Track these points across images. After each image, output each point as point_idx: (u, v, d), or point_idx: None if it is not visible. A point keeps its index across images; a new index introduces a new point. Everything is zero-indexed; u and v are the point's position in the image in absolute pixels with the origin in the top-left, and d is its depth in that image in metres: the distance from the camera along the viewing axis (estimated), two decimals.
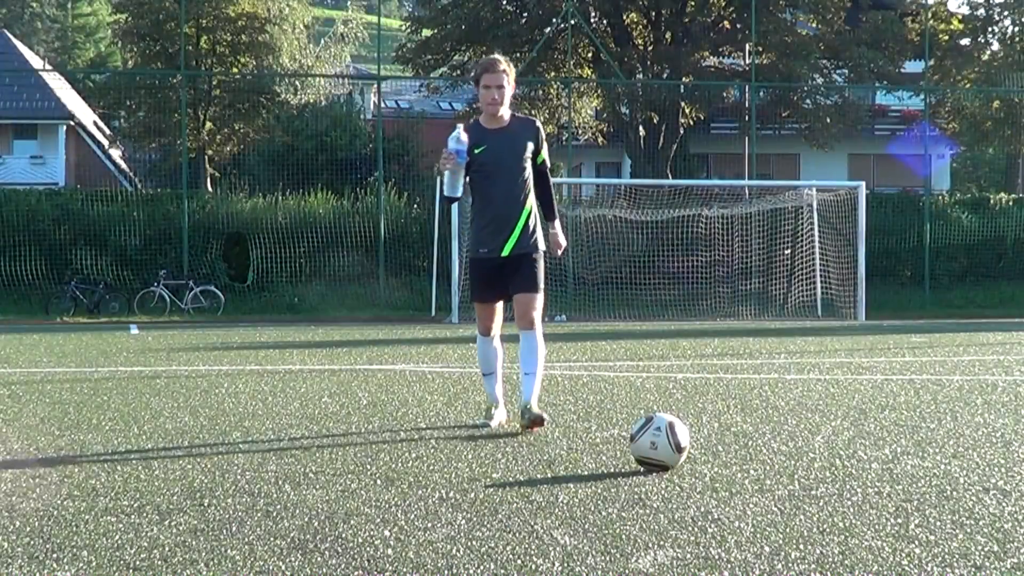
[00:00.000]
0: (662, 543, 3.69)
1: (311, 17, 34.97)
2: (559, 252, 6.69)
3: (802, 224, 26.31)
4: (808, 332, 18.70)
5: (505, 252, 6.41)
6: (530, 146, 6.44)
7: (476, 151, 6.34)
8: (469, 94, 34.75)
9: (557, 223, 6.69)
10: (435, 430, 6.38)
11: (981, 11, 34.31)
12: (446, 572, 3.37)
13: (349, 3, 39.61)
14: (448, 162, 6.24)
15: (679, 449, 4.98)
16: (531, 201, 6.47)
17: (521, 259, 6.45)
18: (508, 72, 6.36)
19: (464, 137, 6.23)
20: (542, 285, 6.52)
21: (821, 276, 25.49)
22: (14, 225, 26.34)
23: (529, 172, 6.45)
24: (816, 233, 25.74)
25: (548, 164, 6.65)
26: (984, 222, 29.99)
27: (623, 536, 3.78)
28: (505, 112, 6.46)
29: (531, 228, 6.48)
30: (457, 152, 6.21)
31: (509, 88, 6.40)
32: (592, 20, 32.75)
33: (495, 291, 6.54)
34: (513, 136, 6.44)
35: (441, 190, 6.43)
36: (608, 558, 3.51)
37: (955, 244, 29.57)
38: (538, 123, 6.57)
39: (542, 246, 6.55)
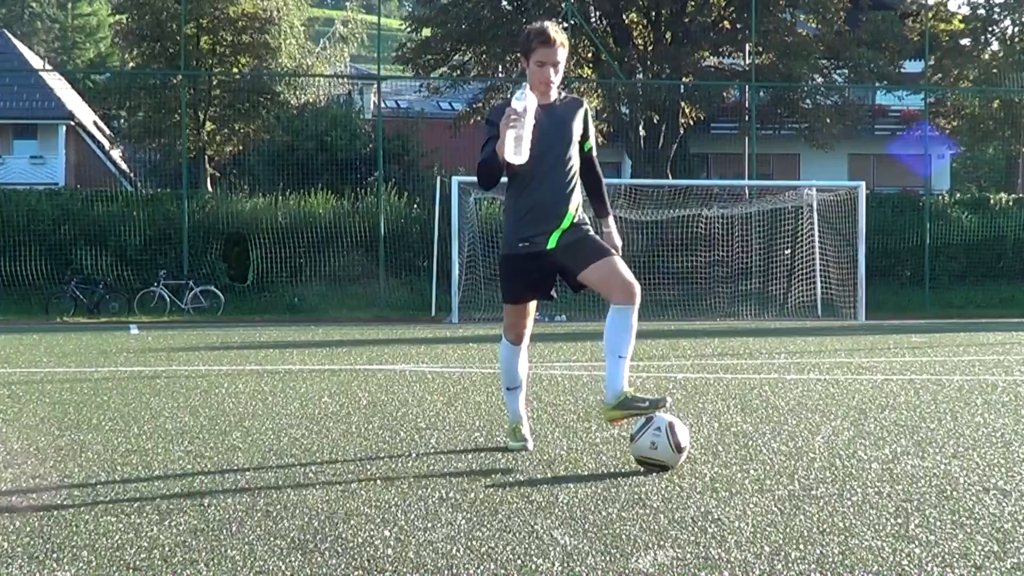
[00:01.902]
0: (662, 543, 3.69)
1: (308, 16, 34.98)
2: (617, 251, 5.60)
3: (802, 224, 26.31)
4: (808, 332, 18.70)
5: (551, 244, 5.40)
6: (577, 129, 5.54)
7: None
8: (469, 94, 34.74)
9: (611, 221, 5.71)
10: (435, 430, 6.38)
11: (981, 11, 34.32)
12: (446, 572, 3.37)
13: (348, 3, 39.56)
14: (515, 121, 5.23)
15: (679, 449, 4.97)
16: (579, 193, 5.58)
17: (574, 237, 5.44)
18: (564, 45, 5.44)
19: (530, 95, 5.30)
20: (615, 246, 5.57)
21: (821, 276, 25.49)
22: (14, 225, 26.35)
23: (576, 159, 5.55)
24: (816, 233, 25.74)
25: (596, 151, 5.74)
26: (984, 222, 30.00)
27: (623, 536, 3.78)
28: (554, 89, 5.57)
29: (579, 219, 5.53)
30: (524, 110, 5.30)
31: (563, 64, 5.52)
32: (592, 20, 32.75)
33: (533, 289, 5.55)
34: (560, 116, 5.52)
35: (482, 171, 5.44)
36: (608, 558, 3.51)
37: (955, 244, 29.57)
38: (586, 104, 5.68)
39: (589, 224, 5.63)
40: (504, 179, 5.54)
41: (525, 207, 5.46)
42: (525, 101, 5.25)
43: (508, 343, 5.68)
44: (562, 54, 5.45)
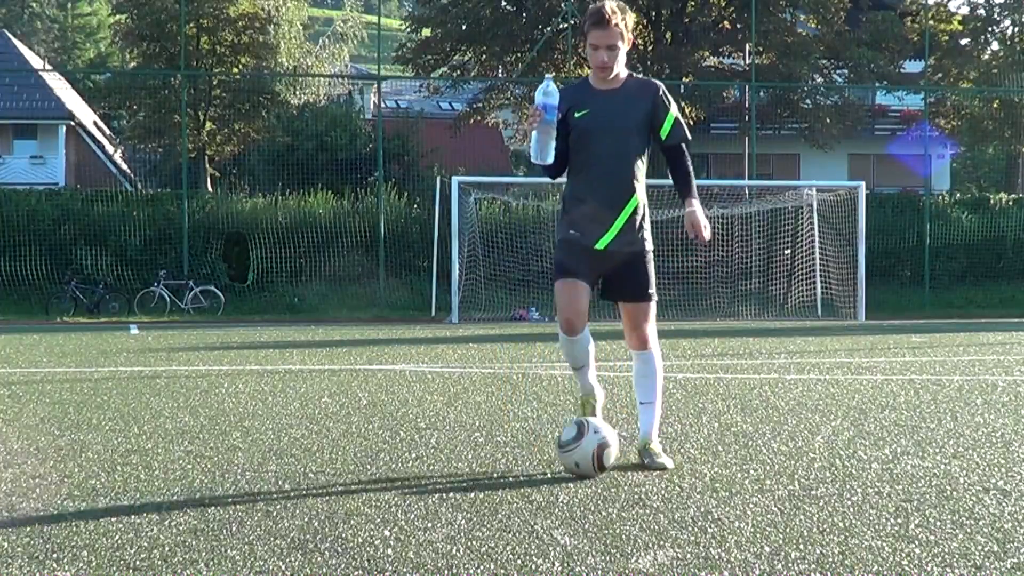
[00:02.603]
0: (662, 543, 3.68)
1: (307, 16, 34.99)
2: (703, 234, 5.17)
3: (802, 224, 26.31)
4: (808, 332, 18.70)
5: (600, 245, 5.07)
6: (644, 115, 5.07)
7: (577, 115, 5.07)
8: (469, 94, 34.75)
9: (695, 202, 5.14)
10: (435, 430, 6.37)
11: (981, 11, 34.33)
12: (446, 572, 3.37)
13: (347, 3, 39.59)
14: (534, 119, 4.94)
15: (601, 469, 4.89)
16: (642, 188, 5.14)
17: (623, 257, 5.12)
18: (622, 25, 4.99)
19: (553, 89, 4.95)
20: (654, 290, 5.23)
21: (821, 276, 25.49)
22: (14, 225, 26.34)
23: (643, 149, 5.11)
24: (816, 233, 25.75)
25: (686, 139, 5.19)
26: (984, 222, 30.00)
27: (623, 536, 3.78)
28: (621, 70, 5.11)
29: (638, 221, 5.12)
30: (544, 108, 4.92)
31: (624, 45, 5.03)
32: None
33: (580, 270, 5.09)
34: (626, 100, 5.08)
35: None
36: (608, 558, 3.51)
37: (955, 244, 29.58)
38: (662, 88, 5.14)
39: (650, 246, 5.23)
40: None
41: (576, 200, 5.13)
42: (545, 98, 4.91)
43: (563, 335, 5.20)
44: (620, 35, 4.99)
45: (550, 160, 5.04)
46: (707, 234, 5.16)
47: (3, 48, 41.62)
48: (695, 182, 5.22)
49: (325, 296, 26.34)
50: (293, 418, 6.93)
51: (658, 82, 5.17)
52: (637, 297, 5.20)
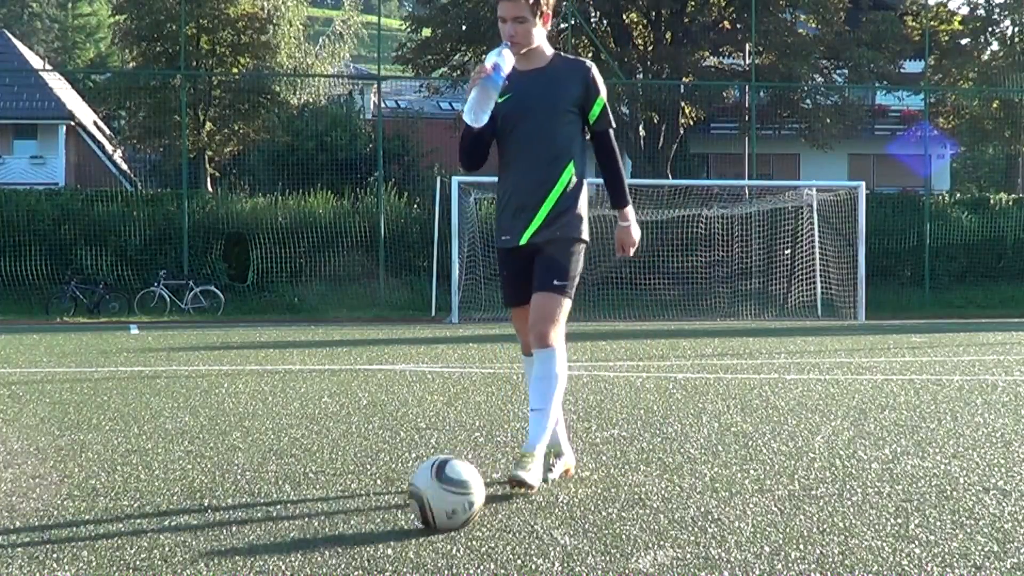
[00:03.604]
0: (662, 543, 3.69)
1: (307, 16, 35.00)
2: (630, 252, 4.85)
3: (802, 224, 26.31)
4: (808, 332, 18.71)
5: (524, 240, 4.68)
6: (572, 97, 4.67)
7: (500, 100, 4.63)
8: None
9: (630, 211, 4.82)
10: (435, 430, 6.37)
11: (981, 11, 34.34)
12: (446, 572, 3.37)
13: (347, 3, 39.59)
14: (479, 76, 4.51)
15: (426, 524, 3.94)
16: (569, 175, 4.70)
17: (542, 247, 4.68)
18: None
19: (509, 56, 4.58)
20: (569, 283, 4.65)
21: (821, 276, 25.49)
22: (14, 225, 26.34)
23: (571, 134, 4.70)
24: (816, 233, 25.75)
25: (612, 125, 4.79)
26: (984, 222, 30.00)
27: (623, 536, 3.78)
28: (545, 48, 4.73)
29: (564, 212, 4.69)
30: (494, 67, 4.53)
31: (536, 20, 4.61)
32: (592, 20, 32.76)
33: (526, 293, 4.73)
34: (552, 80, 4.68)
35: (460, 145, 4.82)
36: (608, 558, 3.51)
37: (955, 244, 29.58)
38: (591, 68, 4.71)
39: (582, 234, 4.74)
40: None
41: (503, 192, 4.77)
42: (499, 59, 4.55)
43: (524, 356, 4.91)
44: (530, 8, 4.57)
45: (483, 121, 4.57)
46: (632, 252, 4.87)
47: (3, 48, 41.63)
48: (626, 184, 4.87)
49: (325, 296, 26.34)
50: (293, 418, 6.93)
51: (588, 62, 4.74)
52: (543, 285, 4.61)
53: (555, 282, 4.61)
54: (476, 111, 4.59)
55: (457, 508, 3.89)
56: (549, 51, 4.74)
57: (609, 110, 4.79)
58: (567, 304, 4.64)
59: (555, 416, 4.66)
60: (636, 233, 4.85)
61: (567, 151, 4.69)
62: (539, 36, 4.68)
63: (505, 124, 4.70)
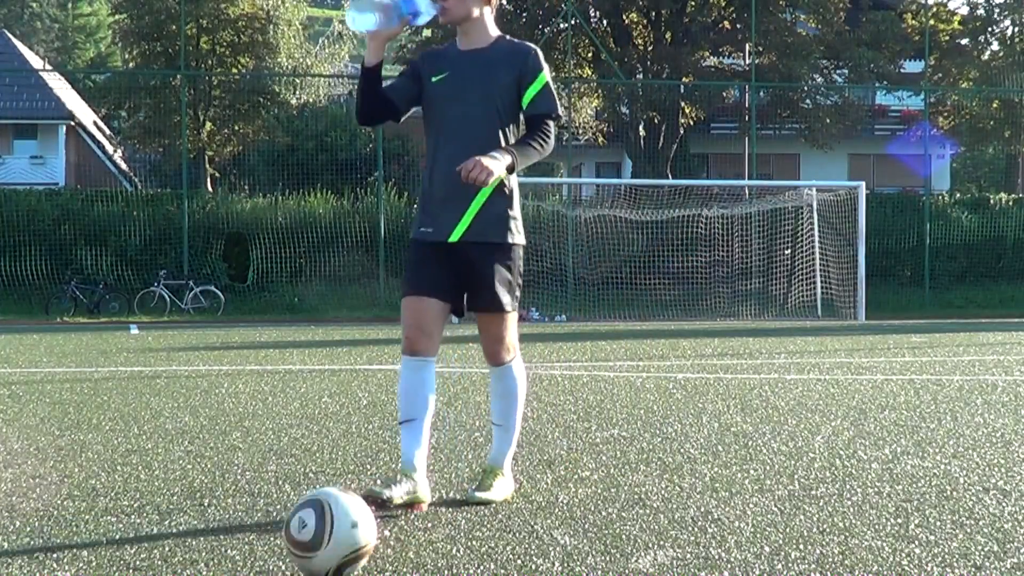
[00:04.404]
0: (662, 543, 3.69)
1: (307, 16, 35.00)
2: (466, 174, 4.03)
3: (802, 224, 26.31)
4: (808, 332, 18.70)
5: (453, 237, 4.26)
6: (513, 82, 4.27)
7: (434, 79, 4.32)
8: None
9: (505, 155, 4.15)
10: (435, 430, 6.37)
11: (981, 11, 34.34)
12: (446, 572, 3.37)
13: (347, 3, 39.62)
14: None
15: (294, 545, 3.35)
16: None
17: (480, 253, 4.26)
18: None
19: (430, 6, 4.24)
20: (515, 300, 4.36)
21: (821, 276, 25.50)
22: (14, 225, 26.35)
23: (508, 123, 4.30)
24: (816, 233, 25.75)
25: (553, 111, 4.30)
26: (984, 222, 30.01)
27: (623, 536, 3.78)
28: (490, 28, 4.35)
29: (499, 211, 4.28)
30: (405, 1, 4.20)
31: None
32: (592, 20, 32.76)
33: (433, 283, 4.28)
34: (492, 62, 4.29)
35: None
36: (608, 558, 3.51)
37: (955, 244, 29.59)
38: (534, 52, 4.31)
39: (519, 239, 4.34)
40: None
41: (430, 180, 4.37)
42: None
43: (403, 355, 4.34)
44: None
45: (358, 27, 4.21)
46: (477, 173, 4.03)
47: (3, 48, 41.63)
48: (528, 154, 4.23)
49: (325, 296, 26.34)
50: (293, 418, 6.93)
51: (533, 45, 4.34)
52: (490, 305, 4.30)
53: (504, 302, 4.29)
54: (358, 18, 4.21)
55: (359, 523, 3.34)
56: (494, 32, 4.35)
57: (553, 96, 4.31)
58: (515, 318, 4.39)
59: (517, 431, 4.51)
60: (492, 163, 4.05)
61: (504, 140, 4.28)
62: (481, 13, 4.29)
63: (437, 105, 4.33)
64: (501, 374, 4.44)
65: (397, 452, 5.55)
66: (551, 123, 4.31)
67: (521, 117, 4.36)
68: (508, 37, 4.39)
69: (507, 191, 4.30)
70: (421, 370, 4.31)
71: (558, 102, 4.35)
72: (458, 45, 4.37)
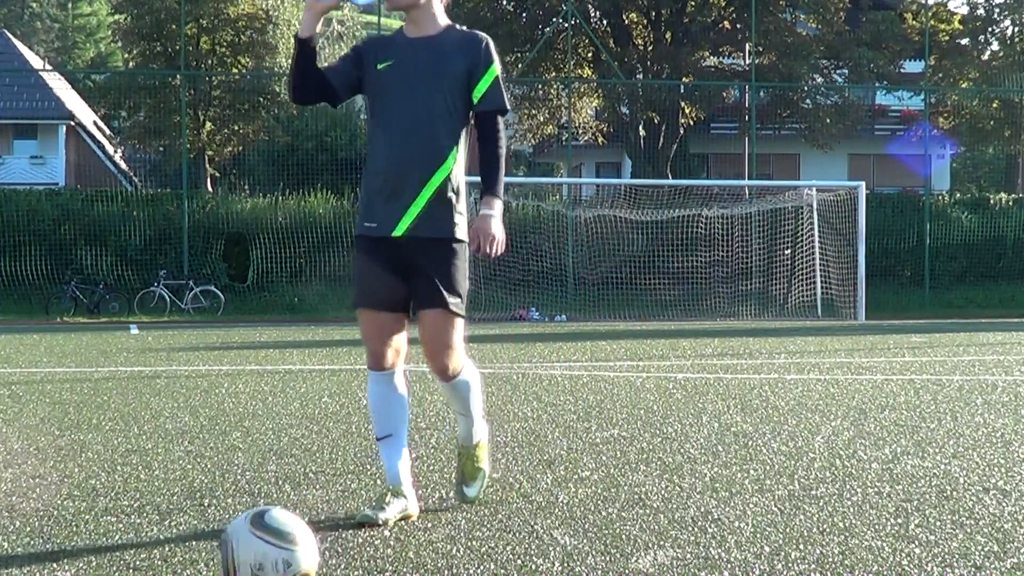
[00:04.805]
0: (662, 543, 3.68)
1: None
2: (488, 248, 4.03)
3: (802, 224, 26.31)
4: (808, 332, 18.70)
5: (399, 231, 4.04)
6: (463, 72, 4.08)
7: (379, 66, 4.10)
8: None
9: (497, 205, 4.06)
10: (435, 430, 6.38)
11: (981, 11, 34.34)
12: (446, 572, 3.37)
13: (346, 3, 39.59)
14: None
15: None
16: (454, 161, 4.08)
17: (425, 248, 4.06)
18: None
19: None
20: (461, 299, 4.11)
21: (821, 276, 25.50)
22: (14, 225, 26.36)
23: (457, 114, 4.09)
24: (816, 233, 25.75)
25: (504, 108, 4.14)
26: (984, 222, 30.02)
27: (623, 536, 3.78)
28: (440, 17, 4.18)
29: (446, 206, 4.07)
30: None
31: None
32: (592, 20, 32.76)
33: (386, 292, 4.13)
34: (440, 51, 4.10)
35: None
36: (608, 558, 3.51)
37: (955, 244, 29.59)
38: (487, 42, 4.14)
39: (463, 234, 4.12)
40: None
41: (374, 173, 4.10)
42: None
43: (371, 372, 4.25)
44: None
45: (307, 34, 4.03)
46: (494, 250, 4.03)
47: (3, 48, 41.63)
48: (503, 174, 4.12)
49: (325, 296, 26.33)
50: (293, 418, 6.93)
51: (485, 35, 4.16)
52: (433, 302, 4.07)
53: (449, 299, 4.05)
54: (307, 20, 4.03)
55: (266, 563, 3.04)
56: (443, 21, 4.17)
57: (503, 92, 4.13)
58: (461, 325, 4.12)
59: (481, 420, 4.30)
60: (498, 229, 4.04)
61: (452, 134, 4.08)
62: (429, 1, 4.12)
63: (382, 94, 4.10)
64: (453, 389, 4.21)
65: None
66: (502, 121, 4.16)
67: (470, 111, 4.15)
68: (458, 26, 4.20)
69: (453, 187, 4.07)
70: (390, 382, 4.20)
71: (506, 97, 4.18)
72: (405, 33, 4.17)
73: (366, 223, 4.10)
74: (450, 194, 4.07)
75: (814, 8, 32.06)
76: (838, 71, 33.88)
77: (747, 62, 33.06)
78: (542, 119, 34.08)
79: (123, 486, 4.69)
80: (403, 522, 4.01)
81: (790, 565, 3.42)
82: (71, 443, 5.89)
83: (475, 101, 4.11)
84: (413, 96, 4.05)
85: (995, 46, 34.76)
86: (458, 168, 4.09)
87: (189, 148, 28.82)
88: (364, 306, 4.16)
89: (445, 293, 4.05)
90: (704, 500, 4.37)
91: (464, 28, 4.21)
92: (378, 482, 4.75)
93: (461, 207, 4.12)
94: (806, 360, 12.22)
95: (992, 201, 31.06)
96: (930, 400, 7.91)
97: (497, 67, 4.13)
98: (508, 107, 4.19)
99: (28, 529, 3.90)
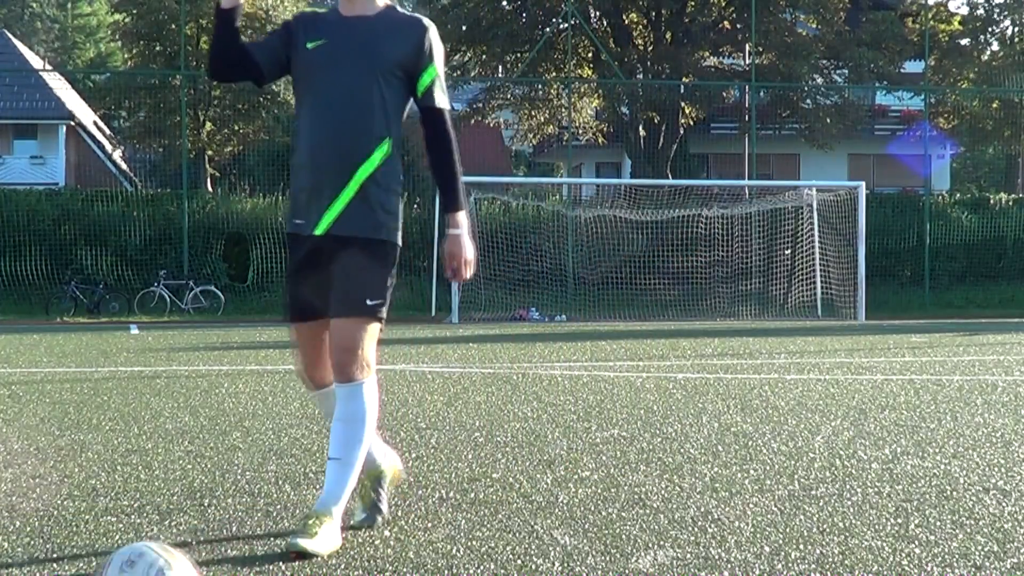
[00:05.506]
0: (662, 543, 3.69)
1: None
2: (461, 270, 3.77)
3: (802, 224, 26.31)
4: (808, 332, 18.70)
5: (320, 229, 3.71)
6: (402, 58, 3.75)
7: (309, 45, 3.76)
8: (469, 94, 34.76)
9: (461, 217, 3.79)
10: (435, 430, 6.38)
11: (981, 11, 34.35)
12: (446, 572, 3.37)
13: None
14: None
15: None
16: (383, 154, 3.74)
17: (346, 247, 3.70)
18: None
19: None
20: (382, 302, 3.72)
21: (821, 276, 25.50)
22: (14, 225, 26.35)
23: (392, 103, 3.77)
24: (816, 233, 25.75)
25: (443, 105, 3.84)
26: (984, 222, 30.01)
27: (623, 536, 3.78)
28: None
29: (375, 202, 3.72)
30: None
31: None
32: (592, 20, 32.76)
33: (318, 302, 3.77)
34: (376, 33, 3.75)
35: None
36: (608, 558, 3.51)
37: (955, 244, 29.59)
38: (431, 29, 3.82)
39: (395, 237, 3.78)
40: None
41: (299, 163, 3.80)
42: None
43: (309, 392, 4.01)
44: None
45: (226, 18, 3.72)
46: (468, 272, 3.77)
47: (3, 48, 41.61)
48: (461, 181, 3.85)
49: None
50: (293, 418, 6.93)
51: (428, 22, 3.82)
52: (347, 306, 3.66)
53: (367, 302, 3.66)
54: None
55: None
56: (382, 1, 3.84)
57: (443, 87, 3.86)
58: (377, 329, 3.73)
59: (359, 468, 3.73)
60: (468, 247, 3.77)
61: (384, 123, 3.76)
62: None
63: (310, 75, 3.76)
64: (349, 394, 3.68)
65: (397, 452, 5.54)
66: (449, 117, 3.88)
67: (412, 103, 3.87)
68: (398, 8, 3.85)
69: (381, 183, 3.73)
70: (328, 399, 3.88)
71: (447, 97, 3.90)
72: (340, 10, 3.82)
73: (294, 219, 3.79)
74: (379, 192, 3.72)
75: (814, 8, 32.06)
76: (838, 71, 33.89)
77: (747, 62, 33.06)
78: (542, 119, 34.09)
79: (123, 486, 4.69)
80: (402, 521, 4.01)
81: (790, 565, 3.42)
82: (71, 443, 5.89)
83: (419, 95, 3.82)
84: (343, 79, 3.71)
85: (995, 46, 34.77)
86: (390, 162, 3.77)
87: (189, 148, 28.81)
88: (295, 319, 3.84)
89: (364, 295, 3.67)
90: (704, 500, 4.37)
91: (405, 11, 3.85)
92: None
93: (392, 207, 3.76)
94: (806, 360, 12.22)
95: (992, 201, 31.06)
96: (930, 400, 7.91)
97: (439, 62, 3.83)
98: (448, 105, 3.89)
99: (28, 529, 3.90)
